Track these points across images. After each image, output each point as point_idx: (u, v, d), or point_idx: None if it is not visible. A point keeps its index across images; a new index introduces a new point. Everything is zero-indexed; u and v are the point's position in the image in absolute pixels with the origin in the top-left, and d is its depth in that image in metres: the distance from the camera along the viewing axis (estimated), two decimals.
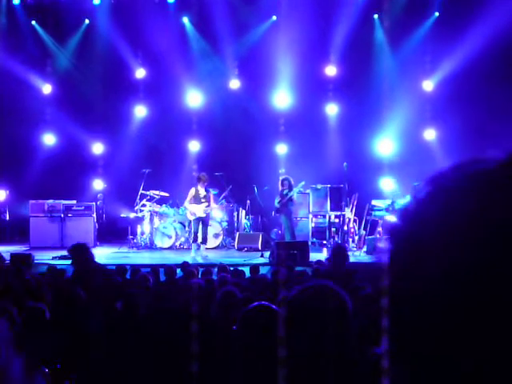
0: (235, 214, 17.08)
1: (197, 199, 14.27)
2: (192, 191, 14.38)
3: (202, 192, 14.29)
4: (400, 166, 17.31)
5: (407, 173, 16.56)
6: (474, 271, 0.59)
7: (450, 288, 0.60)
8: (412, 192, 0.72)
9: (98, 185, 18.72)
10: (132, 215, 17.03)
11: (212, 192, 16.91)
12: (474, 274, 0.59)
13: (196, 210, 14.25)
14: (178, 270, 9.17)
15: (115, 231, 17.95)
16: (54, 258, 13.56)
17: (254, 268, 9.92)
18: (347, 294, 2.08)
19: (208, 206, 14.33)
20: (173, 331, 3.93)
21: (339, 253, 7.87)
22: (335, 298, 2.04)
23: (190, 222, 14.91)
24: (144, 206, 16.56)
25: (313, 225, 16.39)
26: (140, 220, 16.70)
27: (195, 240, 14.32)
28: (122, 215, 17.73)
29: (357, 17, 17.59)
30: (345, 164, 16.09)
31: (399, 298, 0.64)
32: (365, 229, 15.25)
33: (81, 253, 7.80)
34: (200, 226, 14.29)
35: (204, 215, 14.27)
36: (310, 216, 16.39)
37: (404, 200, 14.92)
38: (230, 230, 16.78)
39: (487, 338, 0.58)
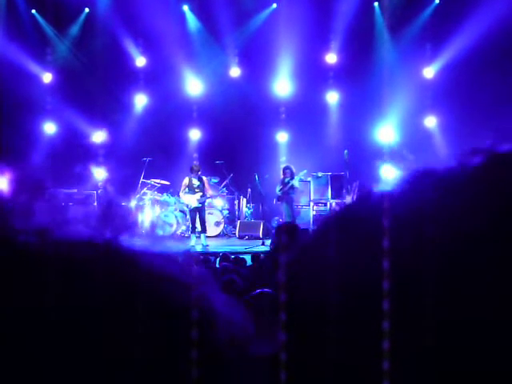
0: (236, 202, 17.11)
1: (191, 189, 14.30)
2: (185, 181, 14.41)
3: (196, 182, 14.31)
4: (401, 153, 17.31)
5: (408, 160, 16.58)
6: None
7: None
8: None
9: (99, 173, 18.72)
10: (133, 204, 17.06)
11: (213, 180, 16.94)
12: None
13: (190, 201, 14.27)
14: None
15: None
16: None
17: (256, 256, 9.94)
18: None
19: (203, 195, 14.35)
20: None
21: None
22: None
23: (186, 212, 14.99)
24: (145, 194, 16.58)
25: (314, 213, 16.43)
26: (141, 208, 16.72)
27: (193, 230, 14.37)
28: (123, 204, 17.75)
29: (357, 4, 17.54)
30: (345, 152, 16.10)
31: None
32: None
33: None
34: (197, 216, 14.32)
35: (199, 205, 14.28)
36: (311, 204, 16.42)
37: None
38: (231, 218, 16.82)
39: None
